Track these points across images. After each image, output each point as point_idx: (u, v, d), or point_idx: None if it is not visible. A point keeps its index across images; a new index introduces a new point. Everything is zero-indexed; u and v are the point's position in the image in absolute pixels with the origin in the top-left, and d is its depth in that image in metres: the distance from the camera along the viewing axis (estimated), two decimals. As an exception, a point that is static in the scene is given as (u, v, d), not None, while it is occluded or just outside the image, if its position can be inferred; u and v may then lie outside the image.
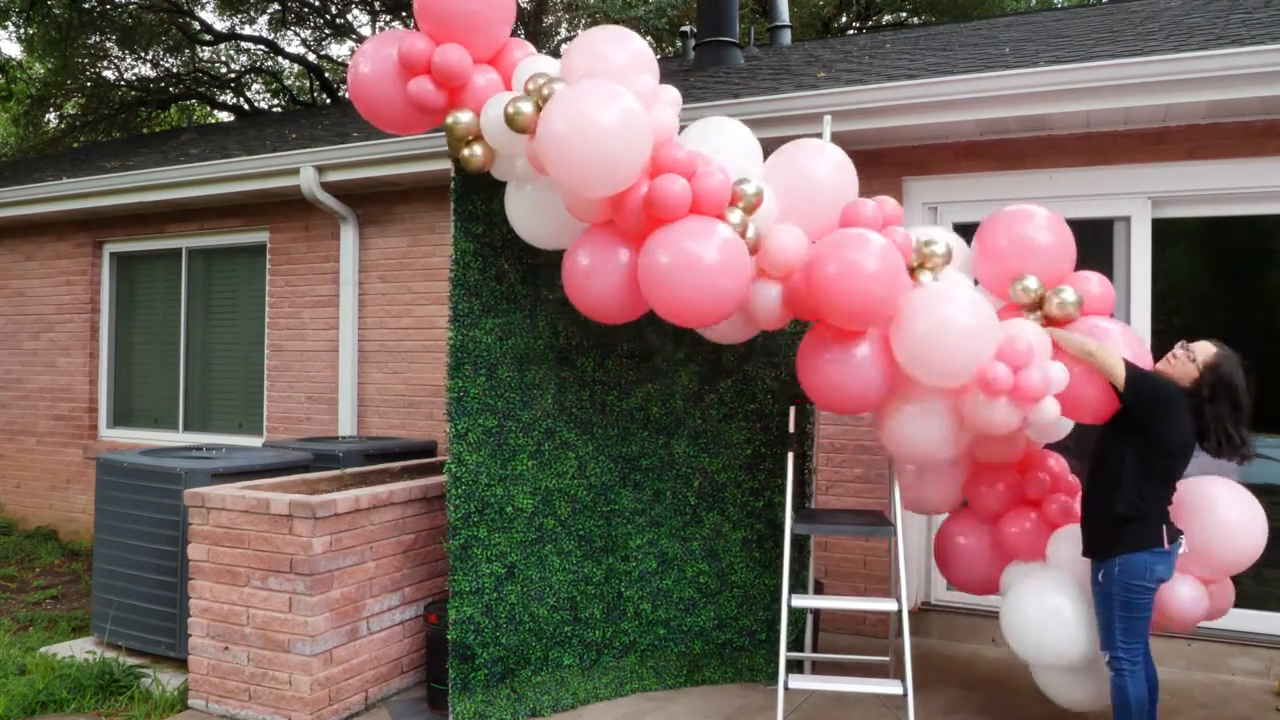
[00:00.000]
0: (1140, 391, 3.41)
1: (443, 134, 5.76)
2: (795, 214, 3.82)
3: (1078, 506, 3.88)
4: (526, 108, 3.51)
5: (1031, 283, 3.81)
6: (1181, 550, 3.56)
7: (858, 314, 3.51)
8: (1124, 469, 3.44)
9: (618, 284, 3.68)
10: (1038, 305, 3.82)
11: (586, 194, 3.48)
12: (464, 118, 3.79)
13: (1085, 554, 3.62)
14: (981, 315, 3.55)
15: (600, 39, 3.76)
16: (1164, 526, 3.43)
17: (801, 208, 3.82)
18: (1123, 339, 3.67)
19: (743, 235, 3.55)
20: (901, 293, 3.56)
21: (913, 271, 3.77)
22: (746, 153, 3.94)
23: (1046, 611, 3.77)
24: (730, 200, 3.57)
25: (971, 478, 4.19)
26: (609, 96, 3.31)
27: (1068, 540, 3.87)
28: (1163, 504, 3.47)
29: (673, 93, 3.75)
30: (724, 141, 3.90)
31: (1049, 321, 3.79)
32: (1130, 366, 3.44)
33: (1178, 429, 3.42)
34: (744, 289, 3.56)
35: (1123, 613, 3.44)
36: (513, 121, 3.53)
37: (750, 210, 3.62)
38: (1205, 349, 3.50)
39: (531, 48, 3.97)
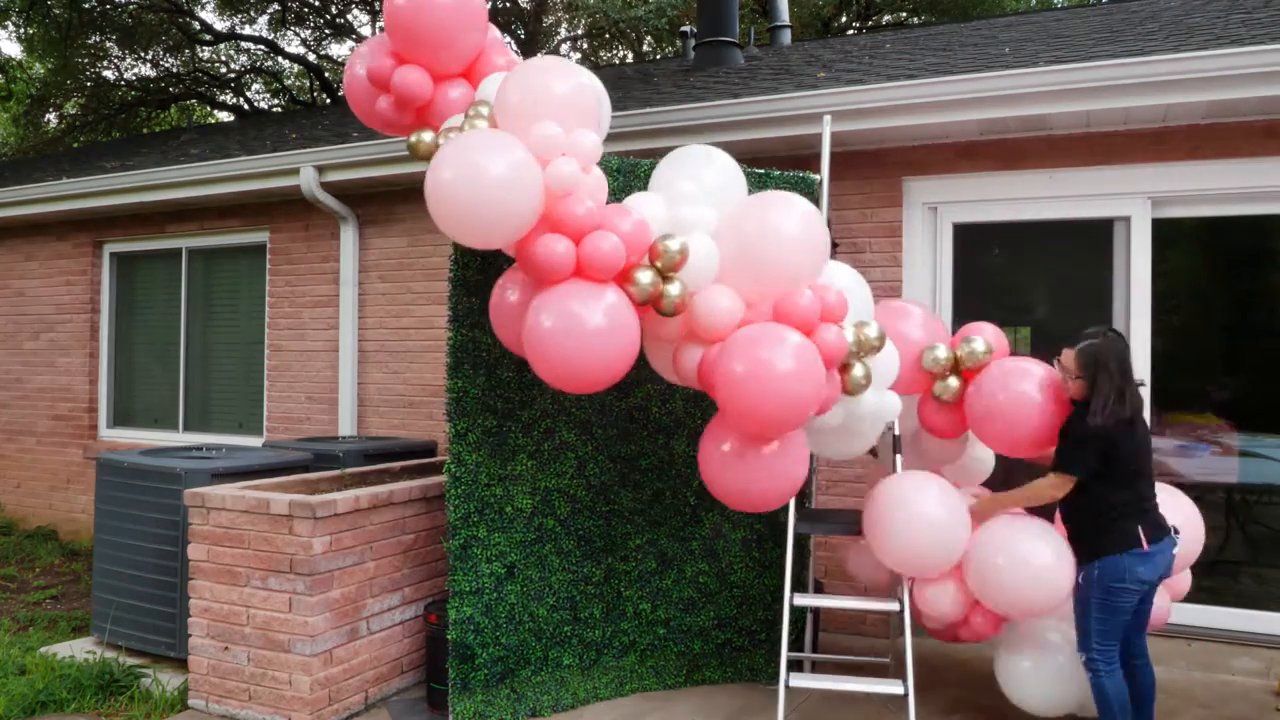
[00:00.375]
0: (1074, 464, 3.55)
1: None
2: (745, 274, 3.49)
3: None
4: (427, 137, 3.46)
5: (941, 352, 4.00)
6: (1176, 550, 3.59)
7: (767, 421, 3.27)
8: (1080, 491, 3.57)
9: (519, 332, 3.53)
10: (954, 367, 4.00)
11: (477, 245, 3.35)
12: (426, 137, 3.72)
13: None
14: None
15: (536, 69, 3.46)
16: (1139, 527, 3.47)
17: (753, 269, 3.48)
18: (922, 320, 4.06)
19: (657, 296, 3.38)
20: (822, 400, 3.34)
21: (844, 369, 3.57)
22: (709, 196, 3.66)
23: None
24: (650, 254, 3.39)
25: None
26: (498, 149, 3.16)
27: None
28: (1132, 505, 3.51)
29: (591, 139, 3.40)
30: (682, 185, 3.67)
31: (968, 373, 4.00)
32: (1059, 464, 3.58)
33: (1094, 434, 3.49)
34: (630, 354, 3.38)
35: (1100, 614, 3.50)
36: (414, 150, 3.47)
37: (671, 269, 3.39)
38: (1065, 356, 3.65)
39: (511, 55, 3.89)
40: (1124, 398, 3.48)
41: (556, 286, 3.31)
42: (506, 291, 3.65)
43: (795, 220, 3.46)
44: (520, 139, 3.27)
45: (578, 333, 3.23)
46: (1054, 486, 3.60)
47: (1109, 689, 3.50)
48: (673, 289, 3.42)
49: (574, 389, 3.42)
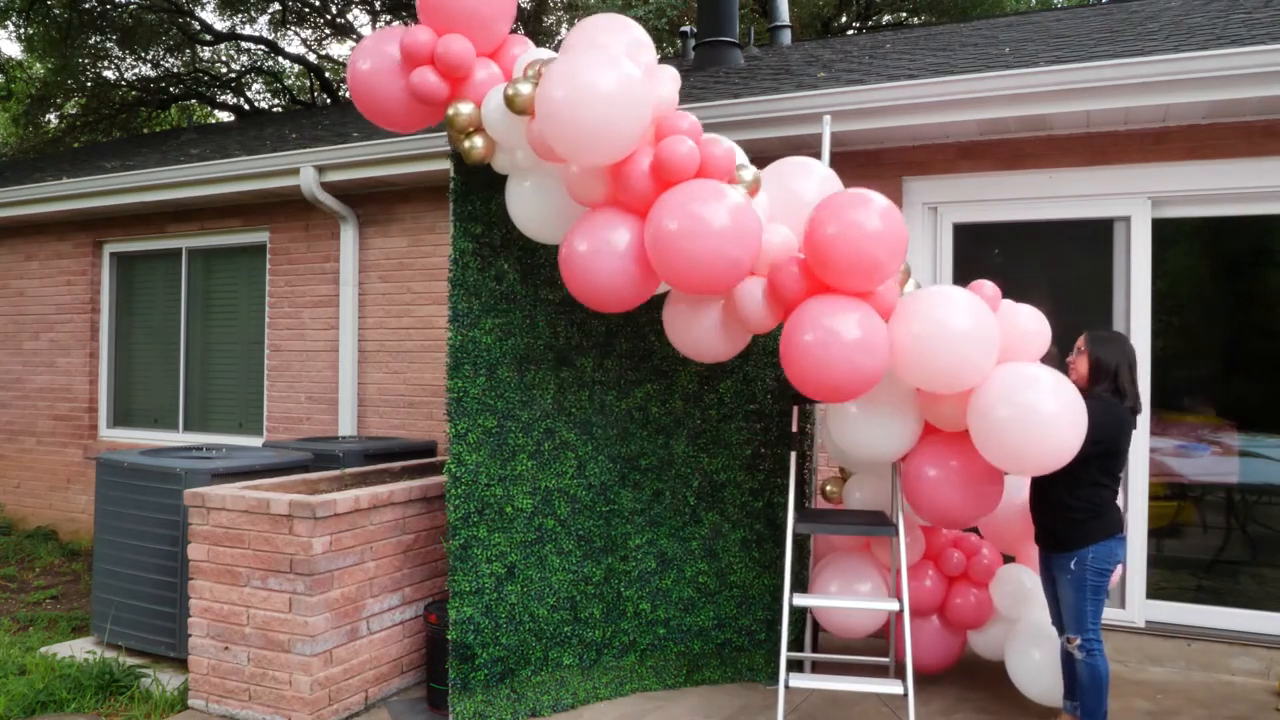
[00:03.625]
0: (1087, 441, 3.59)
1: (442, 134, 5.80)
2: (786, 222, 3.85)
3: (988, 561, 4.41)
4: (525, 89, 3.53)
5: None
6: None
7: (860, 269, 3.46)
8: (1077, 475, 3.65)
9: (621, 264, 3.60)
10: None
11: (586, 161, 3.48)
12: (465, 109, 3.81)
13: (1051, 549, 3.82)
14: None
15: (599, 27, 3.76)
16: (1118, 514, 3.71)
17: (792, 218, 3.83)
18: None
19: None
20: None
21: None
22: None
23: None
24: (731, 181, 3.59)
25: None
26: (607, 63, 3.34)
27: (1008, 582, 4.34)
28: (1114, 494, 3.72)
29: (671, 71, 3.77)
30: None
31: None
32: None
33: (1111, 433, 3.63)
34: (754, 254, 3.53)
35: (1092, 596, 3.67)
36: (512, 103, 3.55)
37: (751, 193, 3.63)
38: (1084, 338, 3.86)
39: (531, 44, 3.99)
40: (1133, 387, 3.73)
41: (679, 188, 3.44)
42: (576, 242, 3.67)
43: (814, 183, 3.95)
44: None
45: (704, 233, 3.36)
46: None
47: (1102, 667, 3.67)
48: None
49: (707, 290, 3.58)
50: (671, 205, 3.42)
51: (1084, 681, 3.68)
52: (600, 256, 3.61)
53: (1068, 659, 3.85)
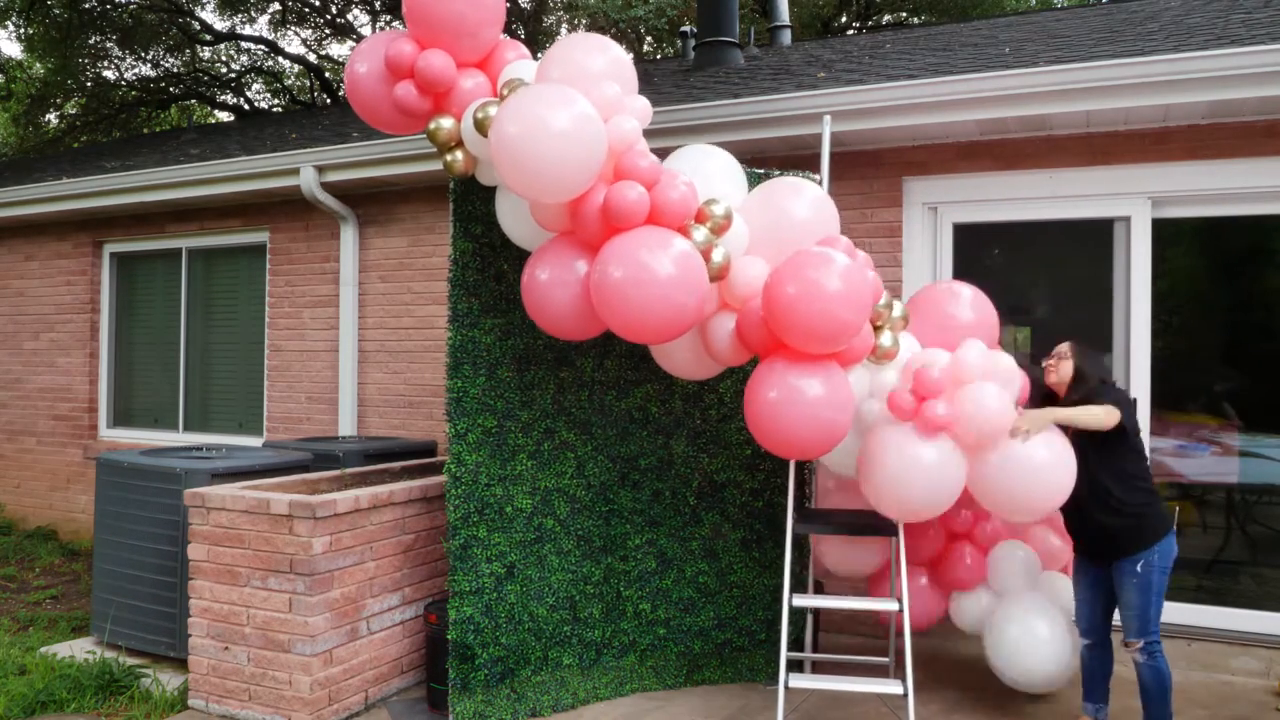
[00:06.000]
0: (1116, 403, 3.63)
1: (442, 134, 5.78)
2: (768, 252, 3.75)
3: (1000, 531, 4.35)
4: (493, 111, 3.48)
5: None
6: None
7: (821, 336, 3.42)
8: (1119, 466, 3.62)
9: (574, 297, 3.59)
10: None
11: (539, 198, 3.42)
12: (445, 124, 3.75)
13: (1110, 556, 3.72)
14: None
15: (577, 46, 3.70)
16: (1165, 505, 3.67)
17: (776, 246, 3.73)
18: (971, 301, 4.18)
19: (707, 256, 3.49)
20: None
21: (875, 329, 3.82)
22: (728, 179, 3.89)
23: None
24: (696, 218, 3.51)
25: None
26: (563, 102, 3.24)
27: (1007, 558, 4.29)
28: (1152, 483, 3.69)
29: (641, 103, 3.68)
30: (708, 163, 3.85)
31: None
32: (1114, 409, 3.61)
33: (1128, 414, 3.65)
34: (700, 305, 3.46)
35: (1158, 597, 3.60)
36: (481, 126, 3.51)
37: (717, 231, 3.54)
38: (1069, 345, 3.85)
39: (523, 49, 3.95)
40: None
41: (626, 235, 3.38)
42: (536, 269, 3.67)
43: (805, 203, 3.84)
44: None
45: (648, 282, 3.31)
46: (1108, 414, 3.56)
47: (1165, 670, 3.61)
48: (717, 254, 3.55)
49: (645, 340, 3.54)
50: (614, 254, 3.36)
51: (1148, 686, 3.60)
52: (559, 287, 3.60)
53: (1091, 660, 3.83)
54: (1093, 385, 3.70)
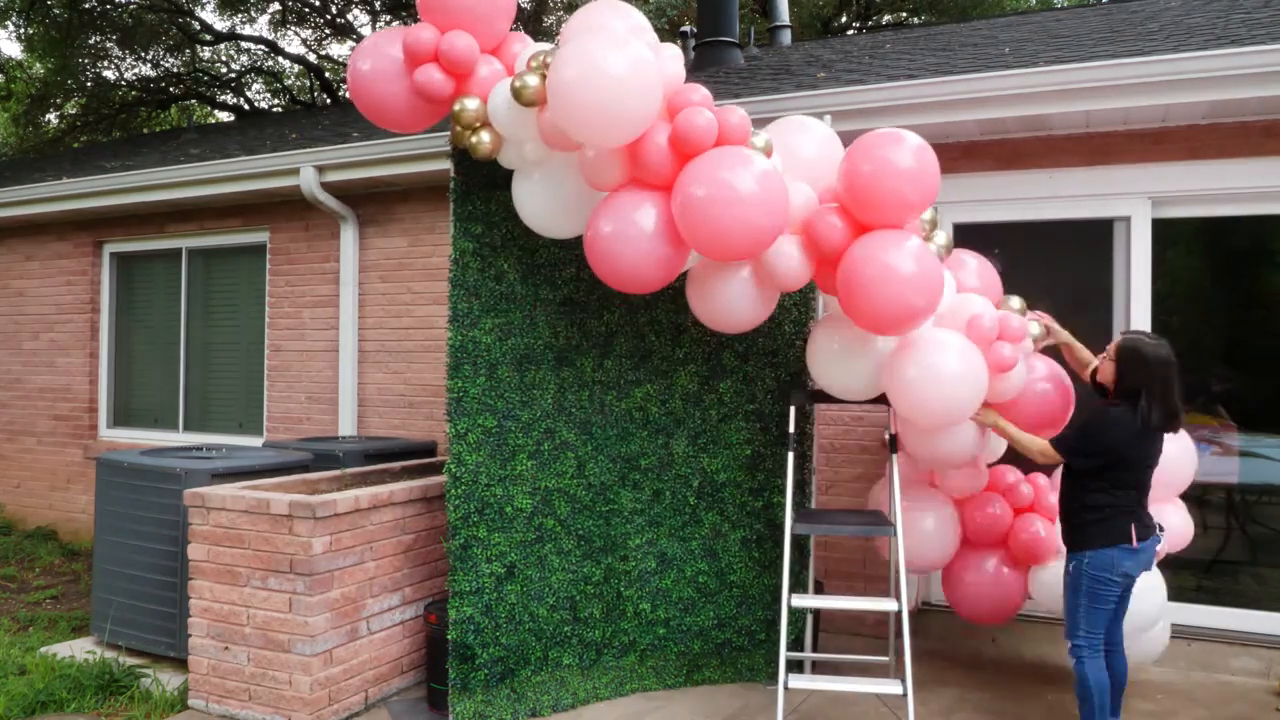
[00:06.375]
0: (1069, 453, 3.64)
1: (442, 134, 5.79)
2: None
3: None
4: (533, 80, 3.55)
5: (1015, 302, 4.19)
6: (1160, 545, 3.71)
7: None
8: (1077, 479, 3.64)
9: (649, 244, 3.60)
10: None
11: (602, 142, 3.49)
12: (471, 104, 3.82)
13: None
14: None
15: (597, 10, 3.77)
16: (1132, 525, 3.54)
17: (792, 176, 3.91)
18: (977, 270, 4.26)
19: None
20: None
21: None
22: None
23: None
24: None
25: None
26: (616, 44, 3.36)
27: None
28: (1127, 506, 3.56)
29: (675, 49, 3.79)
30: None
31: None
32: (1059, 442, 3.66)
33: (1110, 445, 3.53)
34: (785, 212, 3.55)
35: (1086, 602, 3.59)
36: (520, 95, 3.56)
37: (766, 153, 3.66)
38: (1116, 344, 3.70)
39: (531, 41, 4.00)
40: (1163, 406, 3.54)
41: (705, 156, 3.47)
42: (601, 224, 3.68)
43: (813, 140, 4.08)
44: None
45: (735, 201, 3.40)
46: (1043, 454, 3.72)
47: (1090, 675, 3.59)
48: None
49: (739, 256, 3.60)
50: (699, 174, 3.44)
51: (1076, 686, 3.64)
52: (626, 237, 3.61)
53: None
54: (1127, 388, 3.55)
